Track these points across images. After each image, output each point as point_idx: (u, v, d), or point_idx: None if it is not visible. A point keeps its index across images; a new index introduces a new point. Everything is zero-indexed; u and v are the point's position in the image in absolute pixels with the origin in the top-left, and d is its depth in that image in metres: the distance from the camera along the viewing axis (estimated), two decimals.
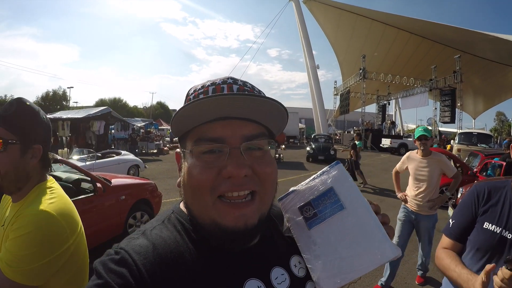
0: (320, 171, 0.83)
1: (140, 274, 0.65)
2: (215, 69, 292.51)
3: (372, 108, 47.05)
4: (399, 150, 27.93)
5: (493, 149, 17.13)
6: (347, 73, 42.43)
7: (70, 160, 9.57)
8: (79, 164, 9.05)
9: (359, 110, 36.04)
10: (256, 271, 0.77)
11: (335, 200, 0.78)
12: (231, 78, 0.80)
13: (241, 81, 0.81)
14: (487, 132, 26.52)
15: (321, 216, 0.79)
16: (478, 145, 19.46)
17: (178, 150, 0.84)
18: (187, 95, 0.82)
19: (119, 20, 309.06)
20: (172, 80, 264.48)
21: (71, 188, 4.86)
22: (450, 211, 7.34)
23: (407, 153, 4.67)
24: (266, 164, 0.75)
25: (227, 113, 0.71)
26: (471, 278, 1.46)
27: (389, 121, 38.09)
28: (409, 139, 30.02)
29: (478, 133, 21.81)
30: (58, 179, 5.09)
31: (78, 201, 4.69)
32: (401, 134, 36.64)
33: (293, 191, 0.85)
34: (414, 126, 63.06)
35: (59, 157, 5.06)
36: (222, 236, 0.71)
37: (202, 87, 0.79)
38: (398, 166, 4.77)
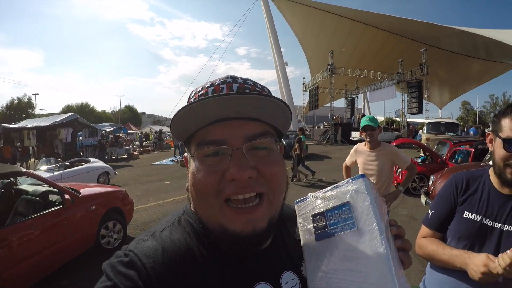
0: (342, 181, 0.78)
1: (149, 277, 0.65)
2: (183, 69, 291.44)
3: (341, 103, 47.71)
4: None
5: (461, 137, 17.66)
6: (315, 69, 42.77)
7: (37, 171, 9.25)
8: (46, 175, 8.81)
9: (328, 105, 36.46)
10: (266, 275, 0.76)
11: (349, 217, 0.73)
12: (231, 76, 0.78)
13: (242, 79, 0.78)
14: (454, 121, 27.30)
15: (331, 230, 0.75)
16: (446, 133, 20.11)
17: (186, 154, 0.82)
18: (189, 98, 0.79)
19: (85, 22, 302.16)
20: (140, 82, 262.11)
21: (38, 201, 4.67)
22: (423, 199, 7.51)
23: (355, 146, 4.32)
24: (272, 164, 0.73)
25: (227, 114, 0.69)
26: (466, 255, 1.49)
27: (358, 115, 38.67)
28: None
29: (445, 122, 22.46)
30: (24, 192, 4.94)
31: (46, 215, 4.53)
32: None
33: (310, 196, 0.81)
34: (382, 118, 64.32)
35: (23, 169, 4.87)
36: (230, 240, 0.69)
37: (202, 88, 0.77)
38: (347, 160, 4.42)
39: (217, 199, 0.69)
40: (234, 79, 0.77)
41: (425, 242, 1.76)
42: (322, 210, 0.77)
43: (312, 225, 0.78)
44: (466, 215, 1.63)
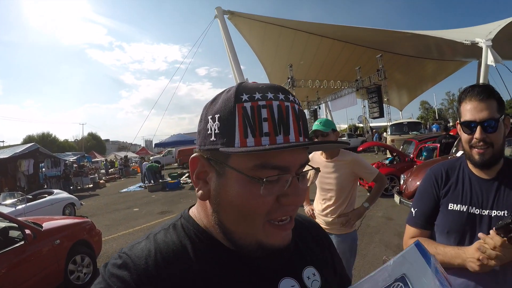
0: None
1: (141, 277, 0.66)
2: (145, 93, 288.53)
3: None
4: None
5: (425, 134, 18.19)
6: (276, 83, 43.13)
7: None
8: (8, 209, 8.32)
9: None
10: (264, 281, 0.75)
11: None
12: (291, 94, 0.72)
13: (294, 97, 0.73)
14: (416, 120, 28.14)
15: None
16: (410, 133, 20.75)
17: (196, 154, 0.73)
18: (238, 100, 0.66)
19: (42, 48, 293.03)
20: (102, 108, 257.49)
21: None
22: (397, 198, 7.63)
23: (310, 155, 3.51)
24: (304, 186, 0.73)
25: (296, 142, 0.67)
26: (461, 251, 1.44)
27: None
28: (343, 138, 31.29)
29: (408, 122, 23.21)
30: None
31: (7, 253, 4.23)
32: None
33: (428, 259, 0.70)
34: (346, 126, 65.56)
35: None
36: (263, 253, 0.70)
37: (263, 97, 0.67)
38: None
39: (263, 220, 0.68)
40: (293, 96, 0.72)
41: None
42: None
43: (392, 280, 0.71)
44: (451, 207, 1.60)
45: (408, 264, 0.68)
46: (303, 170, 0.71)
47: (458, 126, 1.62)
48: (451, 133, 10.54)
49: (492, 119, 1.45)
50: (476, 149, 1.50)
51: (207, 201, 0.74)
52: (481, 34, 20.17)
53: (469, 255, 1.37)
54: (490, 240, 1.24)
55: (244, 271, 0.73)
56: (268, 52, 40.97)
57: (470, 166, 1.62)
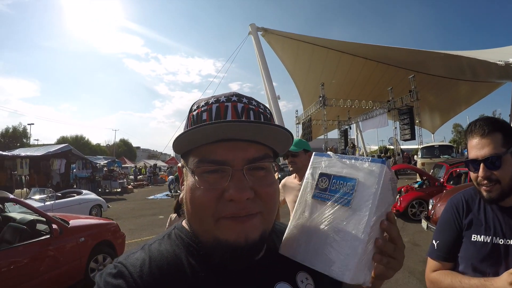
0: (364, 158, 0.80)
1: (136, 285, 0.67)
2: (178, 104, 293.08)
3: (334, 134, 47.83)
4: None
5: (456, 158, 17.69)
6: (307, 101, 42.96)
7: (28, 200, 9.06)
8: (37, 204, 8.59)
9: (322, 137, 36.51)
10: (259, 286, 0.77)
11: (349, 193, 0.75)
12: (236, 95, 0.79)
13: (246, 98, 0.80)
14: (448, 143, 27.46)
15: (327, 195, 0.79)
16: (441, 156, 20.17)
17: (180, 164, 0.84)
18: (190, 110, 0.80)
19: (81, 55, 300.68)
20: (135, 116, 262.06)
21: (25, 230, 4.52)
22: (424, 224, 7.40)
23: (283, 180, 3.33)
24: (268, 185, 0.75)
25: (232, 135, 0.70)
26: (488, 282, 1.36)
27: (351, 144, 38.85)
28: None
29: (439, 145, 22.58)
30: (12, 220, 4.77)
31: (32, 245, 4.38)
32: (365, 156, 37.46)
33: (328, 155, 0.85)
34: (376, 147, 64.59)
35: (11, 196, 4.72)
36: (223, 252, 0.70)
37: (206, 104, 0.77)
38: None
39: (214, 216, 0.70)
40: (239, 98, 0.78)
41: (437, 276, 1.62)
42: (331, 173, 0.81)
43: (316, 181, 0.82)
44: (474, 238, 1.54)
45: (365, 175, 0.77)
46: (256, 165, 0.73)
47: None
48: None
49: (494, 155, 1.39)
50: (483, 187, 1.45)
51: None
52: None
53: (498, 286, 1.29)
54: None
55: (238, 277, 0.75)
56: (301, 70, 41.03)
57: None
